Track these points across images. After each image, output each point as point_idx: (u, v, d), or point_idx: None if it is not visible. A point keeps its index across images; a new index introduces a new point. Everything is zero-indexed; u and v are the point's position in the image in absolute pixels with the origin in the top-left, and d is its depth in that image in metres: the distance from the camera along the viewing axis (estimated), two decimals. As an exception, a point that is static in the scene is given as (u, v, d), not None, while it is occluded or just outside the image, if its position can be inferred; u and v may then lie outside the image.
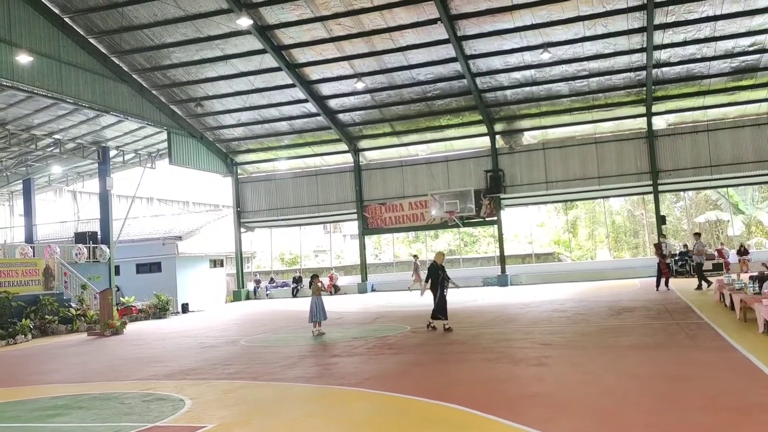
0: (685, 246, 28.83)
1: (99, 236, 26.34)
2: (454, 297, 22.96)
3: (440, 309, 13.27)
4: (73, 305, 21.03)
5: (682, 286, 20.41)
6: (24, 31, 20.39)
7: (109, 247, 25.83)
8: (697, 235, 21.34)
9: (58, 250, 23.12)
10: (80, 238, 26.11)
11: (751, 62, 23.43)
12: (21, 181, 30.70)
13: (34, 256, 22.41)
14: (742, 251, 25.80)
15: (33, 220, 29.82)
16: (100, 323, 18.69)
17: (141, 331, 18.98)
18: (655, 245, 21.10)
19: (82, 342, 17.00)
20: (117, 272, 26.88)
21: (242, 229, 32.42)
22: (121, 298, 23.87)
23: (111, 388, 9.22)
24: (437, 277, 13.38)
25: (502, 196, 28.03)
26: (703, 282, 18.95)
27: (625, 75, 24.54)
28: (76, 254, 24.34)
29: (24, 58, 19.61)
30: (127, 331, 18.68)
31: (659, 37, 22.28)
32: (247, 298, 31.78)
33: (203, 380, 9.37)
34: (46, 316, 19.71)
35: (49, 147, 25.83)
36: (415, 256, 29.39)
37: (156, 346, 14.71)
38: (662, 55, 23.24)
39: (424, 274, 27.28)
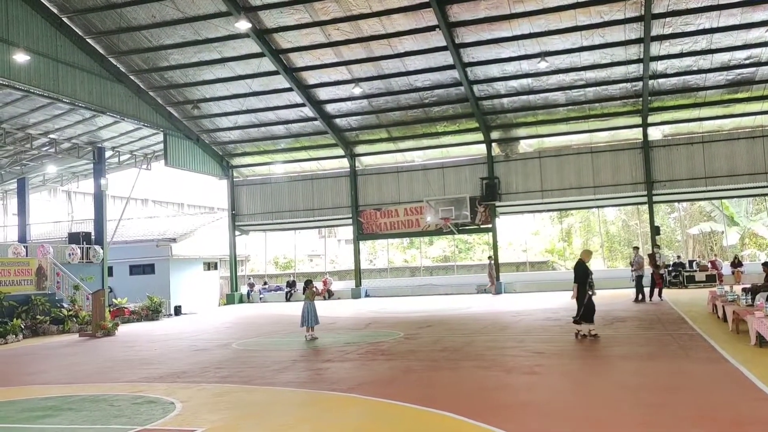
0: (679, 257, 29.01)
1: (93, 237, 26.26)
2: (447, 304, 23.12)
3: (588, 314, 11.86)
4: (65, 306, 20.93)
5: (676, 297, 20.48)
6: (21, 30, 20.33)
7: (102, 248, 25.72)
8: (636, 248, 21.84)
9: (51, 250, 23.02)
10: (74, 238, 26.02)
11: (747, 75, 23.55)
12: (15, 180, 30.58)
13: (27, 255, 22.34)
14: (736, 263, 25.92)
15: (27, 219, 29.66)
16: (92, 324, 18.60)
17: (133, 333, 18.88)
18: (649, 255, 21.20)
19: (73, 343, 16.92)
20: (110, 273, 26.74)
21: (237, 232, 32.34)
22: (114, 300, 23.76)
23: (101, 390, 9.17)
24: (586, 278, 11.88)
25: (497, 203, 28.06)
26: (639, 295, 19.37)
27: (621, 85, 24.65)
28: (70, 254, 24.24)
29: (21, 57, 19.55)
30: (118, 333, 18.59)
31: (656, 49, 22.39)
32: (241, 301, 31.69)
33: (194, 383, 9.32)
34: (38, 317, 19.63)
35: (44, 146, 25.76)
36: (489, 257, 28.51)
37: (147, 348, 14.64)
38: (659, 66, 23.34)
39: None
